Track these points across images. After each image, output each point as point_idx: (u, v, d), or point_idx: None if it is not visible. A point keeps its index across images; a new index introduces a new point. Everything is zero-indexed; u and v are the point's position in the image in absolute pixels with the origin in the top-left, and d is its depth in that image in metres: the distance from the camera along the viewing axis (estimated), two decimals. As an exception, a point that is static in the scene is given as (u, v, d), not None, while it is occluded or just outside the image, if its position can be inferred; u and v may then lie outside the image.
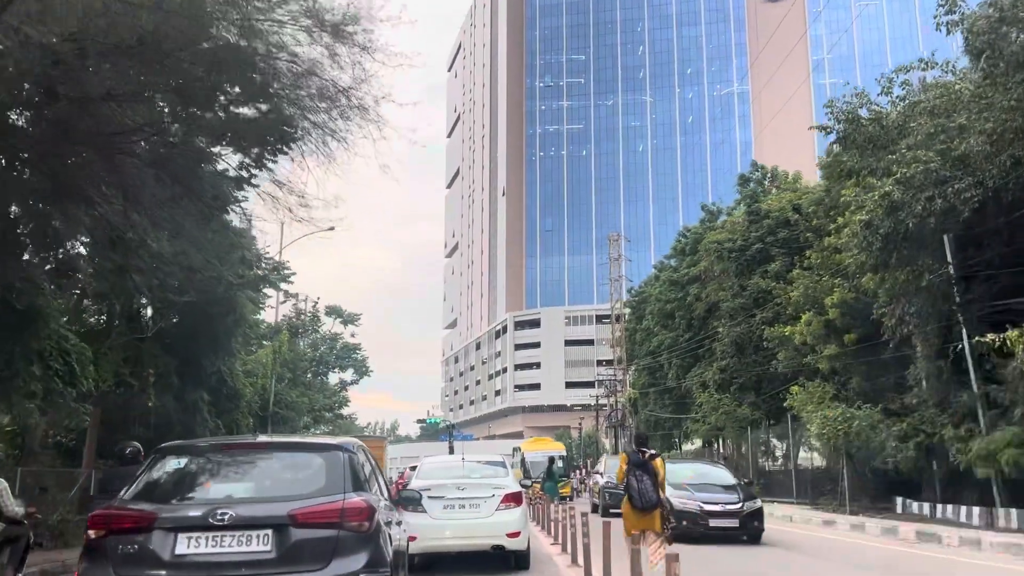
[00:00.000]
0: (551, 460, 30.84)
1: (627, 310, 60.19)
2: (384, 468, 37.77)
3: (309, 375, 39.36)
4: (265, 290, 24.22)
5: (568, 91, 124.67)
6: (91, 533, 5.51)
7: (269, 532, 5.39)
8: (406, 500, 10.34)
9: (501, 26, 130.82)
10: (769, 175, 46.02)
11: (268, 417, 25.57)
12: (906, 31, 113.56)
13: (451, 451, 61.97)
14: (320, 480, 5.84)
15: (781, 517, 22.12)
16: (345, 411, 47.47)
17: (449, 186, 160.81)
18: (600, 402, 65.98)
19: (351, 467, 6.01)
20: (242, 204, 14.03)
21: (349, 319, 45.73)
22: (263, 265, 21.14)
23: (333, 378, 44.81)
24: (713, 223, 48.22)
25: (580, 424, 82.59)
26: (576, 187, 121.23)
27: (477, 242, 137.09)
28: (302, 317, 41.81)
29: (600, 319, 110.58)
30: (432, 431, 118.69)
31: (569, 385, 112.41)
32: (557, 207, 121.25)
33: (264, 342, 26.83)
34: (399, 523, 7.20)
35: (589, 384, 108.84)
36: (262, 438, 8.89)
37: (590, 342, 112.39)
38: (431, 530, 10.67)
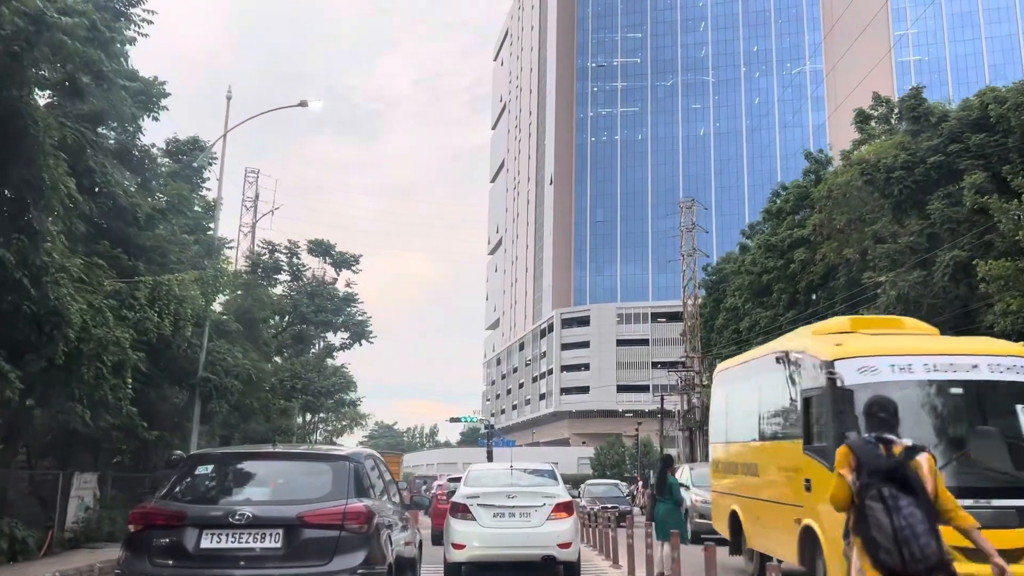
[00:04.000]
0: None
1: (702, 291, 50.57)
2: (399, 479, 32.04)
3: (282, 333, 29.35)
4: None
5: (623, 71, 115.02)
6: (131, 527, 6.34)
7: (280, 531, 6.10)
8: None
9: (551, 5, 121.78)
10: (896, 107, 37.00)
11: (195, 385, 16.23)
12: (1001, 1, 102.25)
13: (489, 458, 52.41)
14: (327, 486, 6.55)
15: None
16: (352, 398, 36.56)
17: (493, 180, 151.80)
18: (665, 405, 55.66)
19: (356, 475, 6.75)
20: None
21: (342, 261, 34.53)
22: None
23: (319, 344, 33.76)
24: (821, 173, 39.06)
25: (638, 429, 72.35)
26: (630, 174, 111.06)
27: (522, 236, 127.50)
28: (275, 253, 31.75)
29: (656, 316, 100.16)
30: (472, 435, 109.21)
31: (621, 389, 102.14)
32: (610, 196, 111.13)
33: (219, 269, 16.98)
34: (405, 528, 7.99)
35: (643, 388, 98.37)
36: (280, 448, 8.44)
37: (645, 342, 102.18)
38: (481, 538, 10.57)
